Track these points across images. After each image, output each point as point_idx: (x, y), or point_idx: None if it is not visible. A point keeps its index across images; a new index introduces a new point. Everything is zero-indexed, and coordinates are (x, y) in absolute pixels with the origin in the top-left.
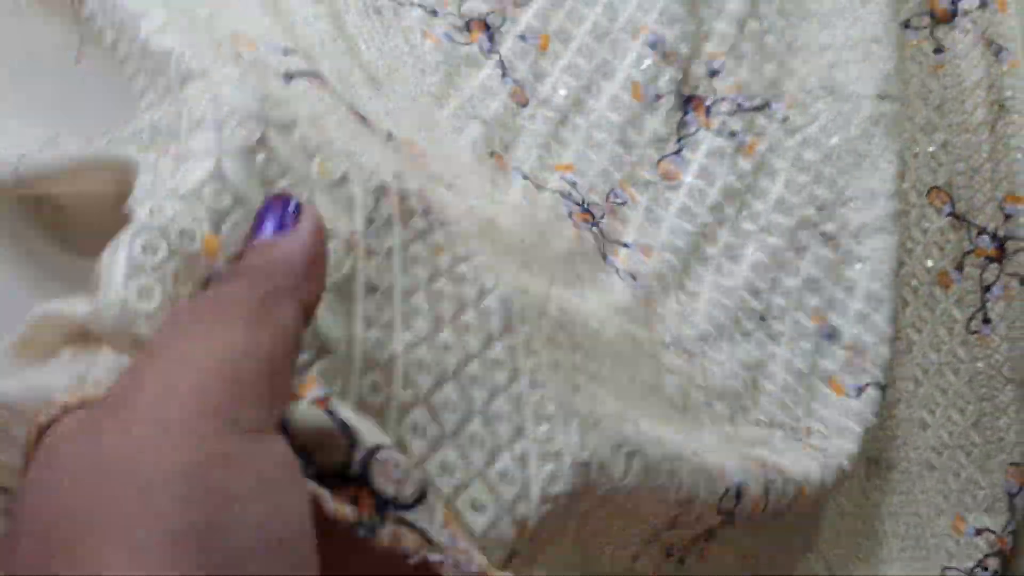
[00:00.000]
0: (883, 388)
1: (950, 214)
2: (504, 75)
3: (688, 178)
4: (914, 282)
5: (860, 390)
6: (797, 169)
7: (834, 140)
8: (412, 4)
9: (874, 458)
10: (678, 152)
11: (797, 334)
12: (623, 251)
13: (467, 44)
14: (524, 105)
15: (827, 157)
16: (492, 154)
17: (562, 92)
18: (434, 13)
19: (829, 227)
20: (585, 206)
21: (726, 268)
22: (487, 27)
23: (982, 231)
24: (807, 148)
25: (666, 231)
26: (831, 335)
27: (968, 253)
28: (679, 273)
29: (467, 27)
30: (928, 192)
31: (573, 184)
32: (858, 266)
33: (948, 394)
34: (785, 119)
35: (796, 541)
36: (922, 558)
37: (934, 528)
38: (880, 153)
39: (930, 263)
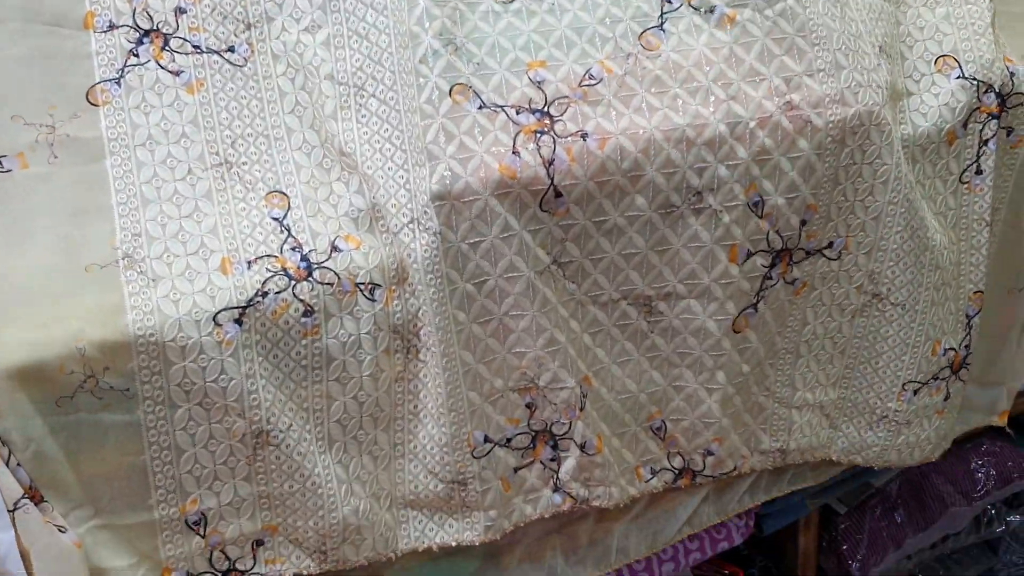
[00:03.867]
0: None
1: (959, 77)
2: None
3: (667, 50)
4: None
5: None
6: (772, 40)
7: (809, 11)
8: None
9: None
10: (661, 26)
11: None
12: None
13: None
14: (510, 1)
15: (802, 27)
16: (451, 90)
17: None
18: None
19: (794, 97)
20: (545, 110)
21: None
22: None
23: (989, 88)
24: (783, 19)
25: (633, 109)
26: None
27: (975, 110)
28: None
29: None
30: (935, 60)
31: (540, 83)
32: None
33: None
34: None
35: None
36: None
37: (916, 353)
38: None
39: (939, 124)
